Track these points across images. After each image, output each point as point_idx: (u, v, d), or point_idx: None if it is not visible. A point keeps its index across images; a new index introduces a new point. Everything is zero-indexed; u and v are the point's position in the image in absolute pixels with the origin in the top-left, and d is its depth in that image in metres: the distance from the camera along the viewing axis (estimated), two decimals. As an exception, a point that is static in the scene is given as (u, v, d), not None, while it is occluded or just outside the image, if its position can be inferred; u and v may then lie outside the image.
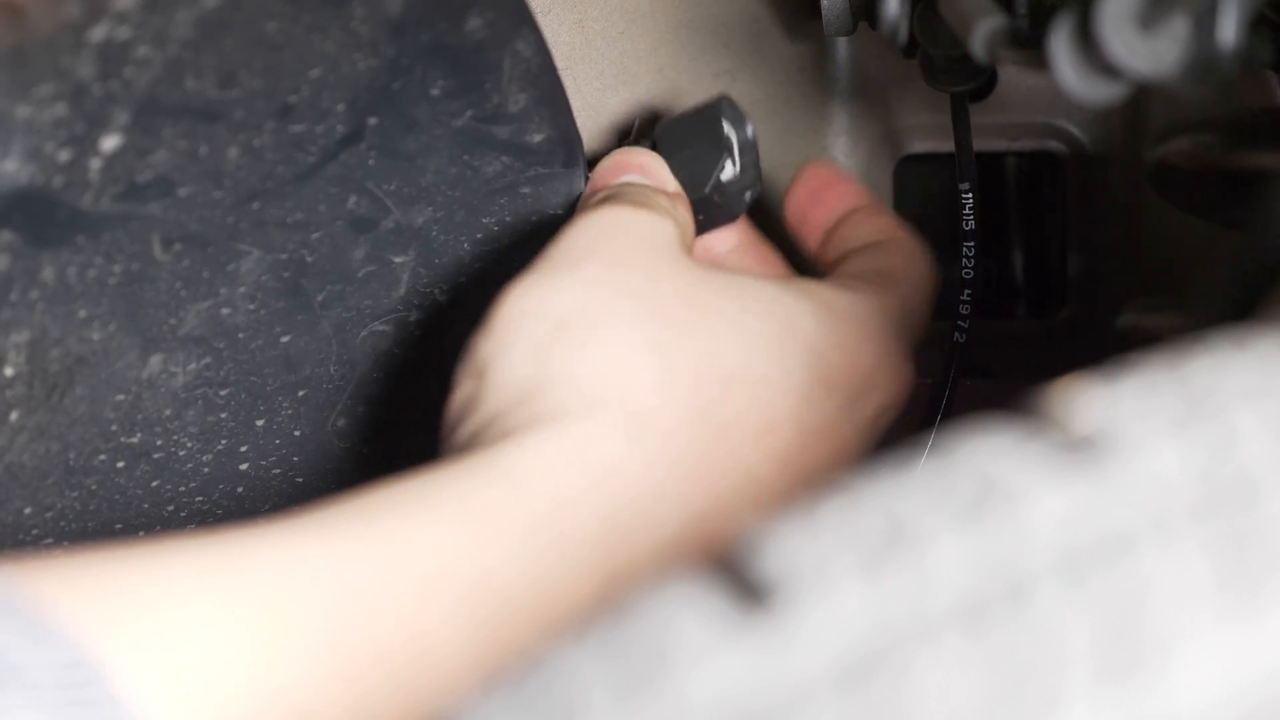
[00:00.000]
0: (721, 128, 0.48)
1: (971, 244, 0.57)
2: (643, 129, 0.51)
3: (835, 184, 0.51)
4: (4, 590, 0.26)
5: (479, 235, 0.48)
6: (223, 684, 0.27)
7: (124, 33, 0.36)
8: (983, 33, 0.40)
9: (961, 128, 0.57)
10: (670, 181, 0.46)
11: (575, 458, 0.34)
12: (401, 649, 0.30)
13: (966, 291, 0.58)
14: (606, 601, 0.32)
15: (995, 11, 0.40)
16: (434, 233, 0.47)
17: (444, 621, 0.30)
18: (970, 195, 0.57)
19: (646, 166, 0.45)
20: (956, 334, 0.59)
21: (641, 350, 0.36)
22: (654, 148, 0.48)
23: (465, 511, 0.33)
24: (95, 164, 0.38)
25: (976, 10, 0.41)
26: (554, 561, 0.32)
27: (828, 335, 0.39)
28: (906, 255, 0.47)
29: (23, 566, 0.28)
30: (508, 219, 0.48)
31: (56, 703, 0.24)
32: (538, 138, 0.46)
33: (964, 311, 0.60)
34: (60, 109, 0.36)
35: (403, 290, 0.47)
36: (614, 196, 0.42)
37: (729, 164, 0.47)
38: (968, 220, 0.57)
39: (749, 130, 0.48)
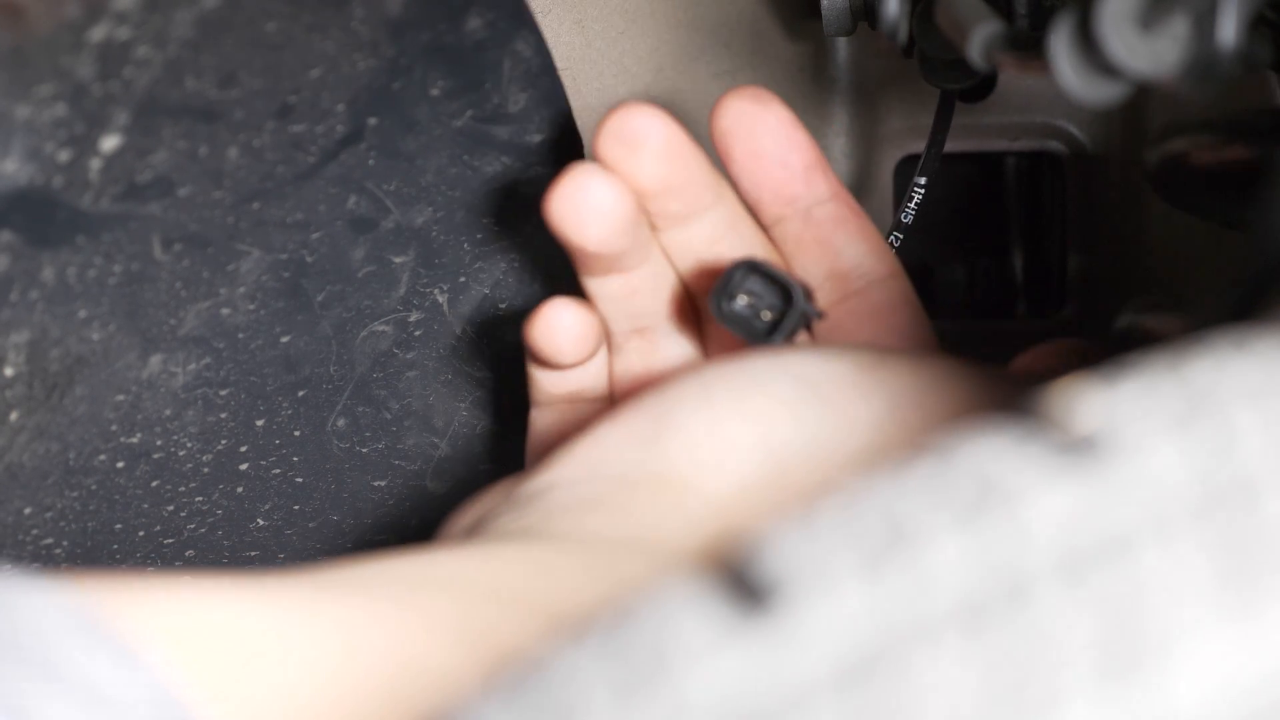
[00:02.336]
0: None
1: (900, 237, 0.56)
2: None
3: (794, 143, 0.42)
4: (92, 614, 0.25)
5: (479, 235, 0.47)
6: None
7: (124, 33, 0.36)
8: (979, 39, 0.40)
9: (941, 124, 0.56)
10: None
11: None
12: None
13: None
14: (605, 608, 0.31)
15: (991, 17, 0.40)
16: (434, 233, 0.47)
17: None
18: (923, 191, 0.56)
19: None
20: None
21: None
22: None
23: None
24: (95, 164, 0.38)
25: (973, 17, 0.41)
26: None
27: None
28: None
29: (103, 585, 0.27)
30: (507, 218, 0.48)
31: None
32: (538, 138, 0.46)
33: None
34: (60, 109, 0.36)
35: (403, 290, 0.47)
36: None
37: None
38: (908, 213, 0.56)
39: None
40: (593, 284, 0.43)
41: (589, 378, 0.44)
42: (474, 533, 0.34)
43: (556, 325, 0.41)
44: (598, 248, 0.40)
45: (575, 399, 0.45)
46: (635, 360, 0.44)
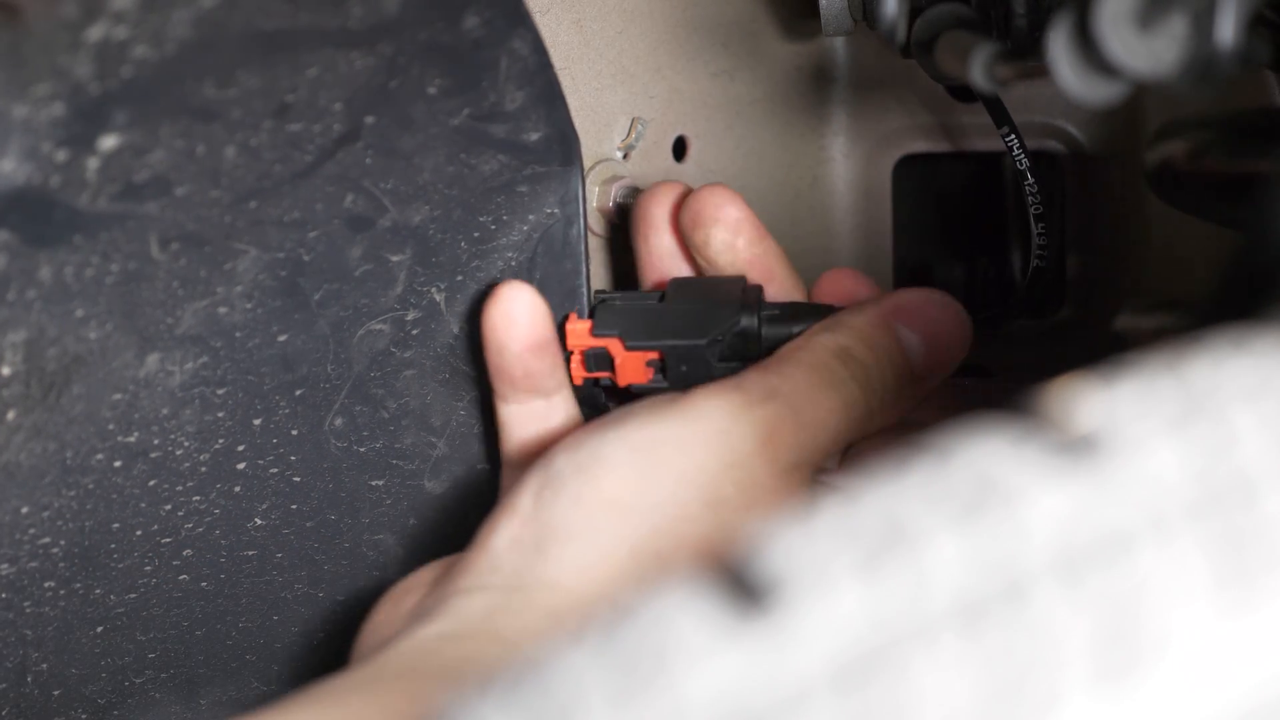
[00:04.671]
0: (741, 293, 0.49)
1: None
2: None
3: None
4: None
5: (476, 234, 0.47)
6: None
7: (121, 32, 0.36)
8: (980, 61, 0.40)
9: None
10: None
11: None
12: None
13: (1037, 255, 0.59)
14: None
15: (987, 41, 0.41)
16: (431, 231, 0.46)
17: None
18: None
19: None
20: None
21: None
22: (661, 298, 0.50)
23: None
24: (93, 163, 0.38)
25: (969, 42, 0.41)
26: None
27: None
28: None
29: None
30: (504, 216, 0.48)
31: None
32: (534, 136, 0.46)
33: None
34: (57, 108, 0.36)
35: (399, 289, 0.47)
36: (757, 398, 0.42)
37: (744, 320, 0.47)
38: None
39: (757, 320, 0.48)
40: (510, 410, 0.48)
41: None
42: (382, 646, 0.40)
43: (513, 309, 0.46)
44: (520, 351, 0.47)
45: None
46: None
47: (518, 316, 0.46)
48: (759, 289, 0.49)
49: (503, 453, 0.49)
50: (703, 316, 0.47)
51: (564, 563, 0.39)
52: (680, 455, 0.40)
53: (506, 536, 0.40)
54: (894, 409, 0.45)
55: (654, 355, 0.47)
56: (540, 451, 0.47)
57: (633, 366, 0.47)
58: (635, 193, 0.58)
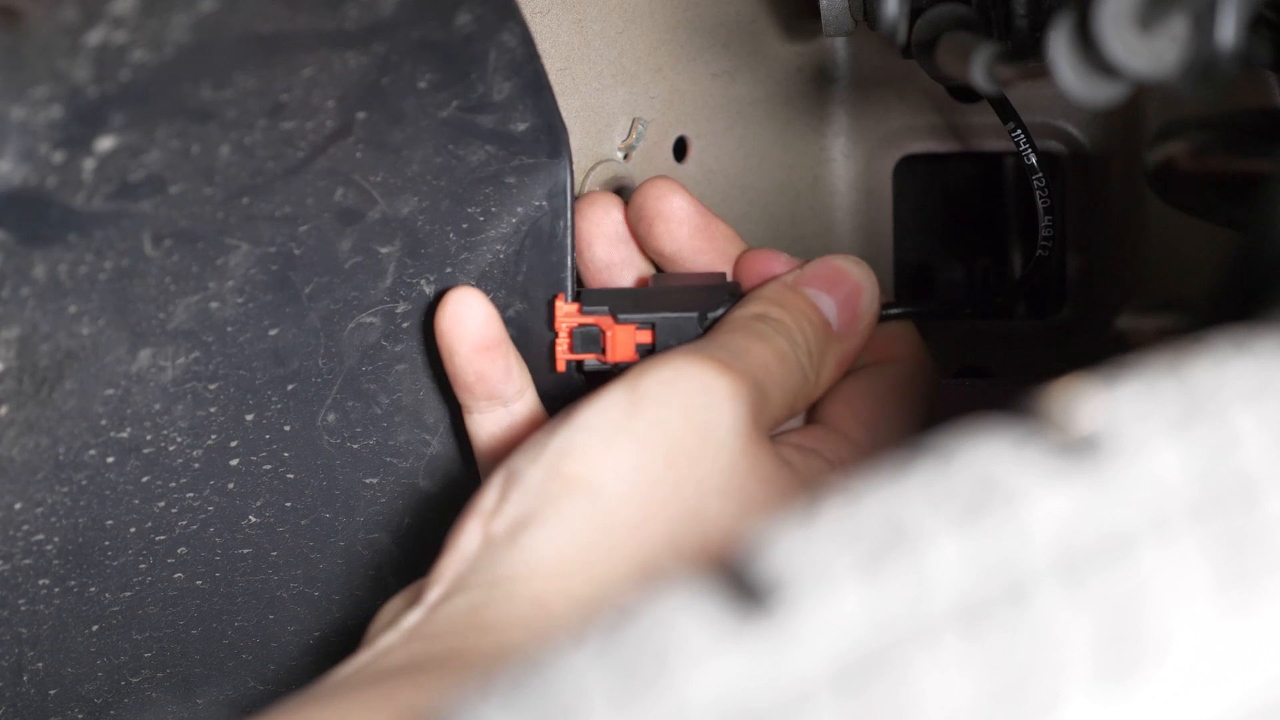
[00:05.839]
0: (724, 283, 0.50)
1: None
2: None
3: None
4: None
5: (464, 225, 0.47)
6: None
7: (120, 36, 0.36)
8: (981, 61, 0.40)
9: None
10: (848, 315, 0.48)
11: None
12: None
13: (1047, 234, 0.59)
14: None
15: (988, 41, 0.41)
16: (420, 222, 0.46)
17: None
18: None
19: (850, 292, 0.48)
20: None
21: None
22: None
23: None
24: (89, 164, 0.38)
25: (970, 43, 0.41)
26: None
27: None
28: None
29: None
30: (492, 208, 0.48)
31: None
32: (522, 126, 0.46)
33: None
34: (55, 111, 0.36)
35: (389, 281, 0.47)
36: (706, 350, 0.43)
37: (722, 309, 0.48)
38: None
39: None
40: (475, 420, 0.49)
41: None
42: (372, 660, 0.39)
43: (459, 310, 0.47)
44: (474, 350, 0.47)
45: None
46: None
47: (464, 318, 0.47)
48: (738, 284, 0.50)
49: (478, 465, 0.50)
50: (692, 295, 0.48)
51: (538, 549, 0.39)
52: (631, 419, 0.41)
53: (476, 537, 0.40)
54: (825, 368, 0.47)
55: (645, 336, 0.48)
56: (505, 456, 0.47)
57: (623, 342, 0.48)
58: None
